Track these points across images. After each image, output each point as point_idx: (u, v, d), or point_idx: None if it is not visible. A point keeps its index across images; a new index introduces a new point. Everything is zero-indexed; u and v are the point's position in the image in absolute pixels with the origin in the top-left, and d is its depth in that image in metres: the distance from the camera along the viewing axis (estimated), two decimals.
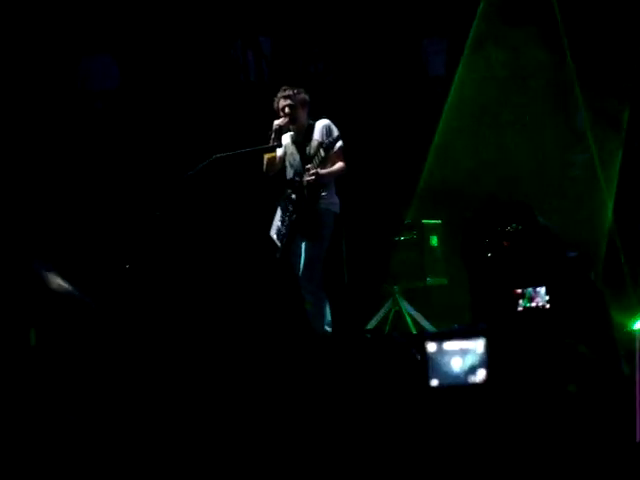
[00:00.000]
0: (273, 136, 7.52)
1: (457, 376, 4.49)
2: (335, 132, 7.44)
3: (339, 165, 7.44)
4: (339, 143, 7.37)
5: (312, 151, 7.44)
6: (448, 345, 4.56)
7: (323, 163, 7.37)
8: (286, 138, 7.63)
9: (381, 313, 8.83)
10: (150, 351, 5.96)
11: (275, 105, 7.53)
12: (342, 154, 7.45)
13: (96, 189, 8.32)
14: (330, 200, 7.53)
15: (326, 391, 5.04)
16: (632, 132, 8.34)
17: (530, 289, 5.52)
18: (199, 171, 7.30)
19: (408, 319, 8.63)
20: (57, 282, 6.40)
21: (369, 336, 7.60)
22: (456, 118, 9.11)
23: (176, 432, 4.83)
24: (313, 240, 7.49)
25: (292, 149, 7.59)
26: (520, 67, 8.93)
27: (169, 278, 7.14)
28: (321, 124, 7.50)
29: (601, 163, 8.27)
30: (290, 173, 7.59)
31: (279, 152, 7.61)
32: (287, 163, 7.61)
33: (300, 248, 7.53)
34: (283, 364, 5.30)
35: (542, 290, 5.49)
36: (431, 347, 4.60)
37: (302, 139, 7.55)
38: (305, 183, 7.38)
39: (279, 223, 7.61)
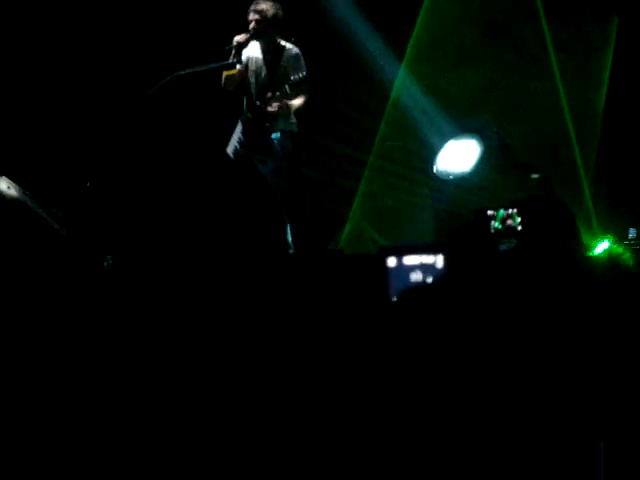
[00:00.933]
0: (233, 52, 7.39)
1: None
2: (303, 67, 7.33)
3: (302, 99, 7.36)
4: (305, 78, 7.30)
5: (279, 79, 7.33)
6: (408, 259, 4.56)
7: (287, 96, 7.30)
8: (255, 50, 7.48)
9: (342, 235, 8.82)
10: (115, 271, 5.92)
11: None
12: (306, 87, 7.38)
13: (55, 107, 8.14)
14: (288, 120, 7.48)
15: (292, 310, 5.06)
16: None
17: (502, 210, 5.54)
18: (159, 88, 7.20)
19: (369, 241, 8.63)
20: (17, 198, 6.29)
21: (330, 256, 7.63)
22: (422, 46, 9.00)
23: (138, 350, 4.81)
24: (272, 162, 7.45)
25: (260, 65, 7.45)
26: None
27: (130, 196, 7.08)
28: (292, 52, 7.36)
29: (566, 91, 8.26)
30: (253, 89, 7.46)
31: (239, 67, 7.48)
32: (251, 78, 7.47)
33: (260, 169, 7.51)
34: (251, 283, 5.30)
35: (514, 212, 5.50)
36: (391, 262, 4.60)
37: (271, 58, 7.41)
38: (271, 114, 7.32)
39: (237, 143, 7.55)
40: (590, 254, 6.35)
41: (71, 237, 6.19)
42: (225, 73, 7.46)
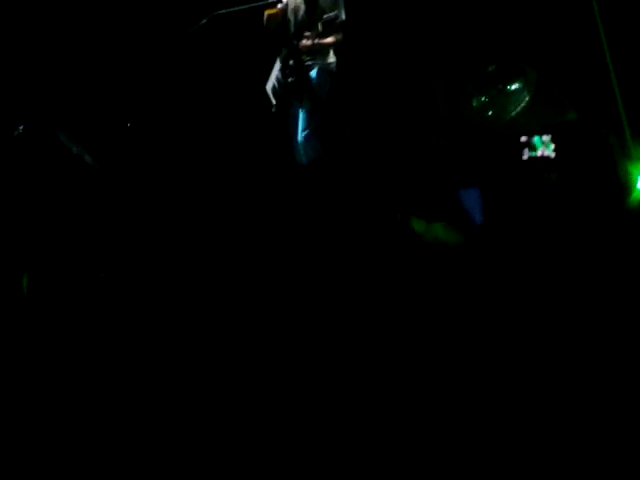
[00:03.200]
0: None
1: None
2: (341, 6, 7.31)
3: (336, 37, 7.37)
4: (341, 18, 7.29)
5: (317, 17, 7.33)
6: None
7: (322, 35, 7.31)
8: None
9: None
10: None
11: None
12: (341, 26, 7.37)
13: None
14: (326, 59, 7.49)
15: None
16: None
17: (537, 137, 5.49)
18: (198, 28, 7.23)
19: None
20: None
21: None
22: None
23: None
24: (309, 100, 7.47)
25: (299, 3, 7.46)
26: None
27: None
28: None
29: None
30: (292, 28, 7.48)
31: (280, 6, 7.50)
32: (290, 16, 7.49)
33: (297, 110, 7.53)
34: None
35: (548, 138, 5.45)
36: None
37: None
38: (303, 49, 7.32)
39: (275, 81, 7.57)
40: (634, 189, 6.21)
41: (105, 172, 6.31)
42: (267, 12, 7.48)
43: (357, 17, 7.63)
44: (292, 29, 7.47)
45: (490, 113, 7.94)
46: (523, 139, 5.52)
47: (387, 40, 8.75)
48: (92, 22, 8.21)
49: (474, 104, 8.00)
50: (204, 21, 7.27)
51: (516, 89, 7.59)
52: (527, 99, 7.49)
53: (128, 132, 7.05)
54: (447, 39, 8.50)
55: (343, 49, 7.53)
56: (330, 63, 7.51)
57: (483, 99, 7.80)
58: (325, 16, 7.19)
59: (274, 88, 7.57)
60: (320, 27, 7.23)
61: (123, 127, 7.06)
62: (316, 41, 7.25)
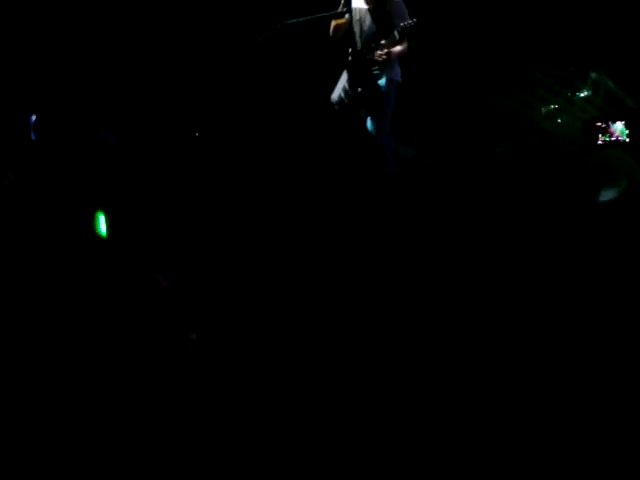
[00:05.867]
0: (343, 2, 7.50)
1: None
2: (406, 13, 7.38)
3: (404, 45, 7.41)
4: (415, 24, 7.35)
5: (384, 28, 7.39)
6: None
7: (395, 43, 7.38)
8: (358, 1, 7.57)
9: None
10: None
11: None
12: (407, 34, 7.44)
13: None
14: (394, 69, 7.55)
15: None
16: None
17: (612, 123, 5.50)
18: (268, 37, 7.33)
19: None
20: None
21: None
22: None
23: None
24: (377, 110, 7.53)
25: (364, 14, 7.52)
26: None
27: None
28: (395, 0, 7.43)
29: None
30: (358, 41, 7.54)
31: (347, 17, 7.57)
32: (355, 27, 7.55)
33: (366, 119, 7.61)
34: None
35: (621, 125, 5.46)
36: None
37: (375, 7, 7.47)
38: (375, 59, 7.40)
39: (341, 91, 7.65)
40: None
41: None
42: (334, 22, 7.55)
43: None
44: (358, 40, 7.53)
45: (560, 120, 7.92)
46: (598, 124, 5.53)
47: (452, 46, 8.80)
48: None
49: (543, 111, 8.00)
50: (274, 29, 7.36)
51: (585, 96, 7.57)
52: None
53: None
54: (513, 47, 8.53)
55: (408, 58, 7.59)
56: (396, 73, 7.57)
57: (552, 107, 7.79)
58: (403, 24, 7.26)
59: (340, 98, 7.65)
60: (397, 35, 7.31)
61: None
62: (389, 49, 7.32)
